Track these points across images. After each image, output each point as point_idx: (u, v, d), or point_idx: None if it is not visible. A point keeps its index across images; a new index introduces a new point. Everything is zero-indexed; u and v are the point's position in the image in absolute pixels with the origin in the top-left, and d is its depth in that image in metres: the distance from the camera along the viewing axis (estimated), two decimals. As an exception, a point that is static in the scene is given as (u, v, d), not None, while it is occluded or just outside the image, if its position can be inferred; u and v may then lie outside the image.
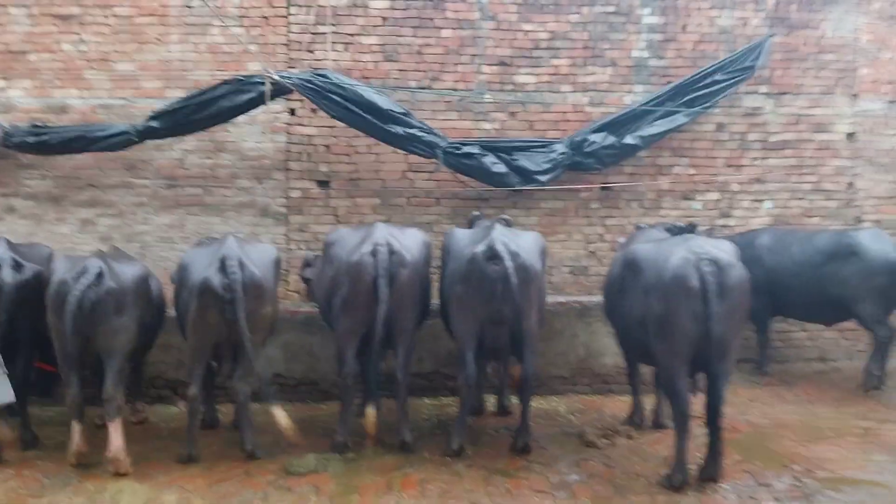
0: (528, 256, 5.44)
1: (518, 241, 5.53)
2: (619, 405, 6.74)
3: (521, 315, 5.33)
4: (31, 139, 7.42)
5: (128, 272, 5.47)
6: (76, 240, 7.81)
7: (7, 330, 5.48)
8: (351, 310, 5.54)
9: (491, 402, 6.74)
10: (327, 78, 7.38)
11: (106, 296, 5.18)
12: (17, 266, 5.66)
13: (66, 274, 5.23)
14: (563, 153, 7.77)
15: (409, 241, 5.80)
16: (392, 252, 5.51)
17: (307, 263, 7.19)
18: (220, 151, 8.00)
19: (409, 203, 8.09)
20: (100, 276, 5.19)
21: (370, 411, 5.61)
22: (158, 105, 7.52)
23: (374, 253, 5.46)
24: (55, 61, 7.85)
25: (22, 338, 5.65)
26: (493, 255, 5.29)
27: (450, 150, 7.58)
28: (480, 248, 5.36)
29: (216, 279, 5.25)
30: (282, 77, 7.32)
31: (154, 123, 7.41)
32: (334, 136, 8.03)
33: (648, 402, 6.29)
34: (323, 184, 8.05)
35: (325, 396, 7.00)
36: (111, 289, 5.21)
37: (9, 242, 5.87)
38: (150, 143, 7.76)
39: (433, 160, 7.68)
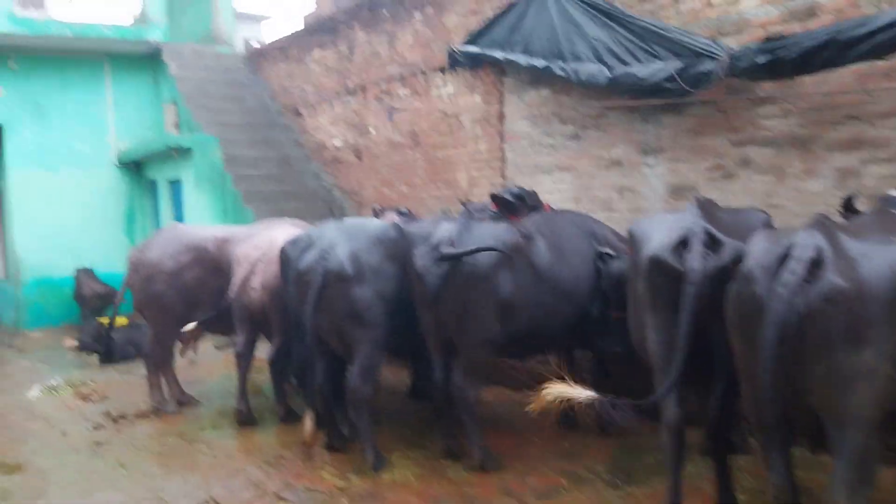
0: None
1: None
2: None
3: None
4: (761, 59, 5.28)
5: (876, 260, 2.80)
6: (831, 200, 5.29)
7: (694, 343, 3.60)
8: None
9: None
10: None
11: (826, 304, 2.70)
12: (714, 245, 3.68)
13: (754, 264, 2.97)
14: None
15: None
16: None
17: None
18: None
19: None
20: (815, 264, 2.74)
21: None
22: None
23: None
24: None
25: (717, 354, 3.66)
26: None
27: None
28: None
29: None
30: None
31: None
32: None
33: None
34: None
35: None
36: (835, 290, 2.68)
37: (705, 208, 3.94)
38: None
39: None
